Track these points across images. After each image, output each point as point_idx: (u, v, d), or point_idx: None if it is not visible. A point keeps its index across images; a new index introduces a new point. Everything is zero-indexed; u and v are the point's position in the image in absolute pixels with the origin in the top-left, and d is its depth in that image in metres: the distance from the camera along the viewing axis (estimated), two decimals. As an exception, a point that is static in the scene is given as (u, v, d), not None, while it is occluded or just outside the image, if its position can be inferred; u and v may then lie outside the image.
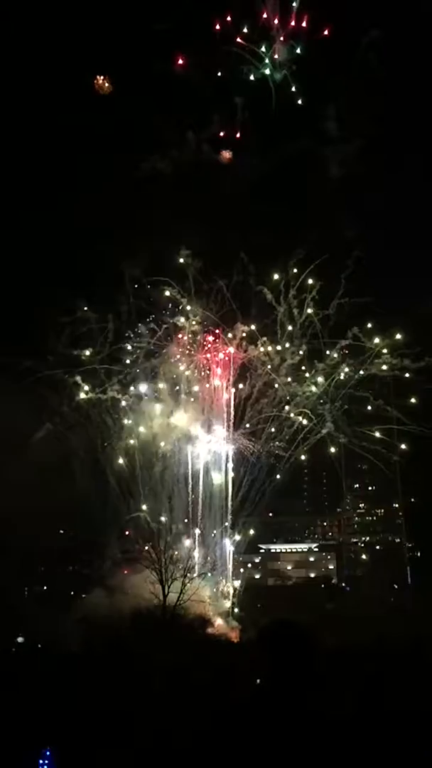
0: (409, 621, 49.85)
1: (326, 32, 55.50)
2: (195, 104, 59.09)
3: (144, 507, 60.84)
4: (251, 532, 65.01)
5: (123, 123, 60.46)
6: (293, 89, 57.76)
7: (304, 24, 55.55)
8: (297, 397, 63.59)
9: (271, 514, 70.76)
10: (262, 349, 63.70)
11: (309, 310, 62.53)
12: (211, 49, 55.52)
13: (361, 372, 62.89)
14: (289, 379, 63.88)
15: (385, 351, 62.41)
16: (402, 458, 63.71)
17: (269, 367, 63.33)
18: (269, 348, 63.73)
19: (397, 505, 73.75)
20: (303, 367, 63.94)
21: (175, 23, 54.46)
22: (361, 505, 77.29)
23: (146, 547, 53.56)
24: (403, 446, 62.84)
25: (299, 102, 58.25)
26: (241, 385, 64.24)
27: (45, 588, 66.22)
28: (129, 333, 63.33)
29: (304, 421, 62.84)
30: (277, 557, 75.10)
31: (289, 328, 63.21)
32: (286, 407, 63.53)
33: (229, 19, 56.15)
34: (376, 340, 62.40)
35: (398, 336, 62.21)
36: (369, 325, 62.21)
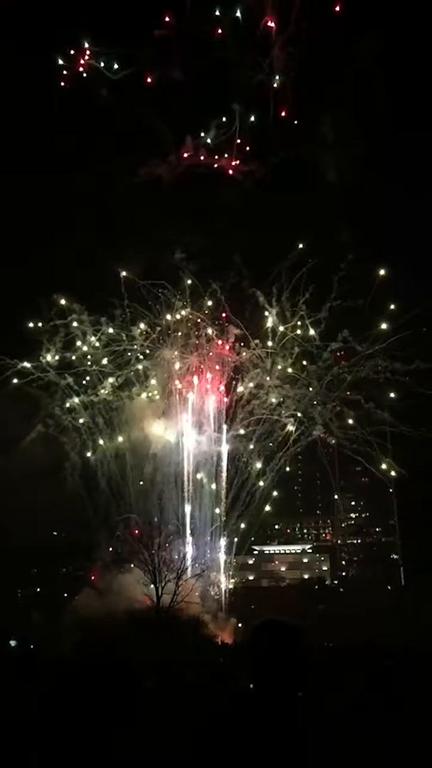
0: (403, 621, 49.89)
1: (337, 8, 53.18)
2: (193, 109, 59.27)
3: (135, 508, 60.78)
4: (245, 533, 65.02)
5: (121, 127, 60.64)
6: (292, 94, 57.74)
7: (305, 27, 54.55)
8: (288, 399, 63.69)
9: (264, 516, 70.73)
10: (252, 352, 63.75)
11: (301, 312, 62.67)
12: (209, 53, 55.19)
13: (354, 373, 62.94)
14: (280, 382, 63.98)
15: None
16: (394, 460, 63.84)
17: (265, 375, 63.32)
18: (261, 350, 63.81)
19: (390, 507, 73.93)
20: (296, 370, 64.06)
21: (173, 30, 54.14)
22: (353, 505, 77.54)
23: (138, 549, 53.31)
24: (395, 448, 62.98)
25: (297, 106, 58.34)
26: (233, 387, 64.33)
27: (38, 590, 66.07)
28: (122, 335, 63.29)
29: (296, 424, 62.94)
30: (271, 559, 74.87)
31: (289, 331, 63.35)
32: (278, 409, 63.60)
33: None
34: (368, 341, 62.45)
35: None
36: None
